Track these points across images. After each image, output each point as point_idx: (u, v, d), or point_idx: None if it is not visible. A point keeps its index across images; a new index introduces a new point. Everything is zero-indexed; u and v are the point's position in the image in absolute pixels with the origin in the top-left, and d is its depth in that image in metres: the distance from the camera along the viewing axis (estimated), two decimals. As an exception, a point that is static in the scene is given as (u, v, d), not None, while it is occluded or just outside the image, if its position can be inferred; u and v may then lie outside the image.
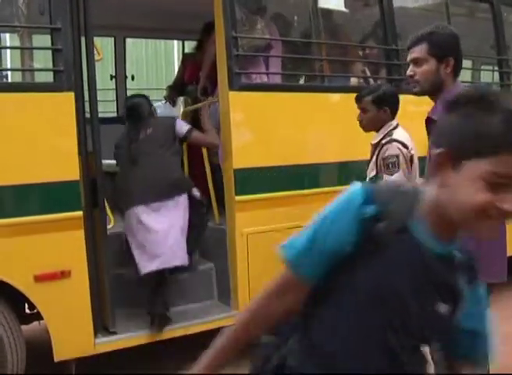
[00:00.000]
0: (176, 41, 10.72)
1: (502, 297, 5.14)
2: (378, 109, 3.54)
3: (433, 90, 2.62)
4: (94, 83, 3.68)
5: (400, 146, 3.39)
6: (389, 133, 3.49)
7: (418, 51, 2.61)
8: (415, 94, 2.73)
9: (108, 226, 3.82)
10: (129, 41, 7.07)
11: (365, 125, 3.62)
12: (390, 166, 3.39)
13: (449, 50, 2.56)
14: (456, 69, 2.58)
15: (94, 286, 3.65)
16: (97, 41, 3.89)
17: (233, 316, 4.11)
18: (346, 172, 4.50)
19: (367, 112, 3.58)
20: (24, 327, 3.71)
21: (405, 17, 5.23)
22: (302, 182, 4.37)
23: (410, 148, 3.41)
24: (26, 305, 3.78)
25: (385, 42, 4.93)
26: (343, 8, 4.92)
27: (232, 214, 4.09)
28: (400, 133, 3.48)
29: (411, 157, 3.41)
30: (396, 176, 3.37)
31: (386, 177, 3.40)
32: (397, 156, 3.37)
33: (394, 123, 3.54)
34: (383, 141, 3.48)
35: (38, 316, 3.63)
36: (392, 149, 3.40)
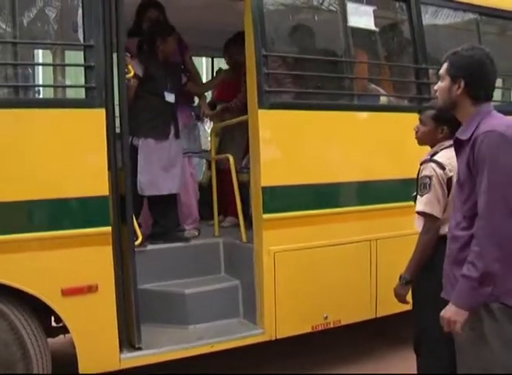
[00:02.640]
0: (204, 58, 10.80)
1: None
2: (436, 126, 3.42)
3: (446, 108, 2.69)
4: (124, 99, 3.71)
5: (435, 166, 3.29)
6: (436, 153, 3.43)
7: (442, 69, 2.67)
8: (436, 109, 2.76)
9: (136, 243, 3.83)
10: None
11: (419, 137, 3.51)
12: (422, 186, 3.33)
13: (461, 72, 2.58)
14: (472, 91, 2.58)
15: (121, 301, 3.66)
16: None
17: (259, 335, 4.10)
18: (374, 191, 4.46)
19: (424, 126, 3.48)
20: (50, 340, 3.72)
21: (435, 36, 5.20)
22: (330, 201, 4.35)
23: (448, 169, 3.28)
24: (53, 318, 3.80)
25: (415, 61, 4.91)
26: (372, 27, 4.91)
27: (259, 232, 4.09)
28: (442, 154, 3.36)
29: (449, 179, 3.28)
30: (426, 198, 3.29)
31: (418, 198, 3.35)
32: (430, 177, 3.29)
33: (447, 143, 3.38)
34: (422, 160, 3.44)
35: (64, 330, 3.65)
36: (426, 170, 3.32)
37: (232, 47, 5.54)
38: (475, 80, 2.57)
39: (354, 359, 4.67)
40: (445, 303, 2.65)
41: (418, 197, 3.34)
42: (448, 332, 2.63)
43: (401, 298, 3.45)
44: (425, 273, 3.34)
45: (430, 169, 3.30)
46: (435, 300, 3.00)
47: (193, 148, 5.36)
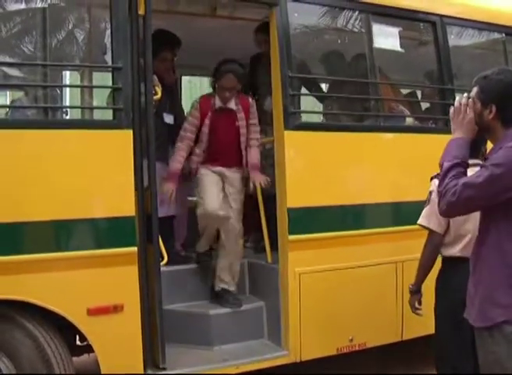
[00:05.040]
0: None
1: None
2: None
3: (479, 131, 2.66)
4: (151, 120, 3.75)
5: (437, 182, 3.34)
6: None
7: (472, 92, 2.66)
8: None
9: (162, 263, 3.84)
10: (185, 78, 7.20)
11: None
12: (426, 201, 3.49)
13: (492, 97, 2.56)
14: (503, 116, 2.56)
15: (146, 321, 3.66)
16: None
17: (283, 357, 4.07)
18: (399, 213, 4.44)
19: None
20: (74, 359, 3.73)
21: (461, 56, 5.19)
22: (355, 222, 4.34)
23: None
24: (77, 337, 3.82)
25: (441, 82, 4.90)
26: (398, 48, 4.92)
27: (285, 253, 4.08)
28: None
29: None
30: (425, 211, 3.49)
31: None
32: (430, 192, 3.46)
33: (470, 162, 3.46)
34: (431, 177, 3.51)
35: (89, 348, 3.67)
36: (431, 185, 3.47)
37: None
38: (506, 104, 2.55)
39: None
40: (465, 324, 2.66)
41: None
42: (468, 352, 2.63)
43: (412, 309, 3.67)
44: (443, 295, 3.45)
45: (432, 185, 3.43)
46: (455, 321, 3.02)
47: None
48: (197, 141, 4.45)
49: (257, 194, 4.51)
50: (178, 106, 5.19)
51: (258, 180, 4.36)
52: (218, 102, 4.40)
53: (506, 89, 2.55)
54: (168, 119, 4.74)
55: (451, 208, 2.51)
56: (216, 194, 4.36)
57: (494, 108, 2.56)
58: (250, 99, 4.53)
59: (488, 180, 2.41)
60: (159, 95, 3.93)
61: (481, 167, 2.54)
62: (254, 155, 4.46)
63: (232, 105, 4.40)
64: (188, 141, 4.41)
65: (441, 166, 2.60)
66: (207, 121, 4.38)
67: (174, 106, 4.84)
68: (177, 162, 4.37)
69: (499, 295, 2.47)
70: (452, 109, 2.66)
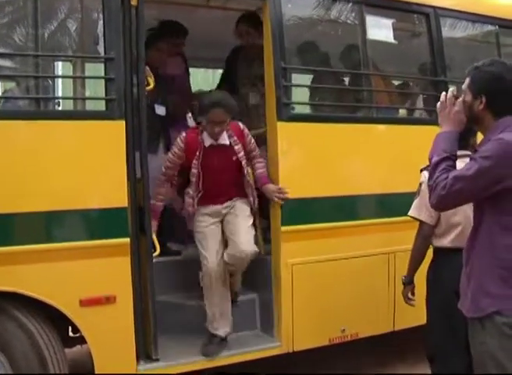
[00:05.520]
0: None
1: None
2: None
3: (469, 122, 2.68)
4: (143, 111, 3.74)
5: (426, 174, 3.37)
6: None
7: (464, 84, 2.68)
8: None
9: (154, 254, 3.84)
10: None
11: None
12: (416, 193, 3.53)
13: (482, 88, 2.58)
14: (492, 108, 2.57)
15: (139, 312, 3.67)
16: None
17: (276, 347, 4.09)
18: (392, 204, 4.44)
19: None
20: (67, 350, 3.73)
21: (454, 48, 5.19)
22: (348, 213, 4.36)
23: None
24: (70, 328, 3.81)
25: (434, 73, 4.90)
26: (391, 40, 4.92)
27: (277, 244, 4.08)
28: None
29: None
30: (415, 203, 3.52)
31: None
32: (420, 184, 3.49)
33: (459, 153, 3.48)
34: (421, 168, 3.54)
35: (81, 340, 3.66)
36: (421, 177, 3.51)
37: None
38: (496, 96, 2.57)
39: (370, 371, 4.65)
40: (455, 314, 2.70)
41: None
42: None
43: (405, 300, 3.71)
44: (434, 286, 3.45)
45: (422, 177, 3.47)
46: (446, 312, 3.05)
47: None
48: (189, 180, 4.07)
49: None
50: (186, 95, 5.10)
51: (274, 192, 4.04)
52: (207, 139, 3.95)
53: (496, 80, 2.56)
54: (160, 110, 4.69)
55: (442, 202, 2.52)
56: (216, 249, 4.02)
57: (484, 99, 2.57)
58: (241, 124, 4.10)
59: (478, 172, 2.43)
60: (152, 86, 3.92)
61: (471, 159, 2.56)
62: (261, 169, 4.17)
63: (224, 139, 3.97)
64: (167, 183, 4.10)
65: (430, 160, 2.61)
66: (195, 161, 3.95)
67: (166, 98, 4.78)
68: (156, 202, 4.01)
69: (490, 286, 2.50)
70: (438, 103, 2.67)
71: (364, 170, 4.41)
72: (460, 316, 2.67)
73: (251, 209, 4.12)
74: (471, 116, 2.64)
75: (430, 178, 2.56)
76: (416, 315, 3.78)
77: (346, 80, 5.04)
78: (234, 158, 3.99)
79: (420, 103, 5.33)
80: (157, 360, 3.74)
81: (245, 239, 3.96)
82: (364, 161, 4.42)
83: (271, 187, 4.07)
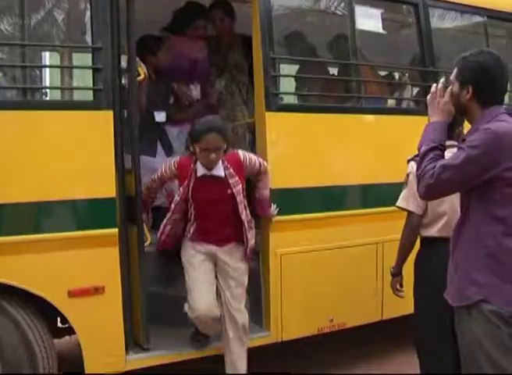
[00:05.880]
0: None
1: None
2: None
3: (456, 112, 2.70)
4: (134, 101, 3.72)
5: (414, 164, 3.40)
6: None
7: (452, 74, 2.69)
8: None
9: (145, 244, 3.84)
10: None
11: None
12: (404, 183, 3.54)
13: (469, 78, 2.60)
14: (479, 97, 2.59)
15: (128, 303, 3.67)
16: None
17: (265, 337, 4.10)
18: (380, 194, 4.45)
19: None
20: (56, 341, 3.73)
21: (443, 38, 5.20)
22: (337, 203, 4.36)
23: None
24: (59, 319, 3.81)
25: (423, 64, 4.91)
26: (380, 30, 4.92)
27: (266, 234, 4.09)
28: None
29: None
30: (403, 193, 3.53)
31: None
32: (408, 174, 3.50)
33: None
34: (408, 159, 3.56)
35: (70, 331, 3.67)
36: (408, 167, 3.51)
37: None
38: (483, 85, 2.58)
39: (359, 360, 4.69)
40: (443, 303, 2.72)
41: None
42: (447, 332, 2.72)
43: (393, 291, 3.72)
44: (421, 275, 3.48)
45: (410, 167, 3.48)
46: (433, 301, 3.08)
47: None
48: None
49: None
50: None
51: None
52: (200, 169, 3.64)
53: (483, 70, 2.58)
54: (159, 117, 4.63)
55: (430, 190, 2.54)
56: (207, 288, 3.72)
57: (471, 89, 2.59)
58: (240, 153, 3.80)
59: (465, 161, 2.45)
60: (142, 76, 3.90)
61: (459, 148, 2.57)
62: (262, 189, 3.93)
63: (218, 170, 3.64)
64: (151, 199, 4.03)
65: (419, 149, 2.63)
66: (182, 190, 3.68)
67: (167, 103, 4.74)
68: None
69: (477, 275, 2.52)
70: (429, 95, 2.69)
71: (352, 160, 4.41)
72: (447, 305, 2.70)
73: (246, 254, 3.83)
74: (459, 106, 2.66)
75: (418, 167, 2.57)
76: (404, 303, 3.80)
77: (335, 70, 5.04)
78: (229, 191, 3.65)
79: (408, 93, 5.34)
80: (147, 350, 3.75)
81: (238, 306, 3.79)
82: (353, 151, 4.43)
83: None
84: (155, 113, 4.60)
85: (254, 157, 3.84)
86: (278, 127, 4.11)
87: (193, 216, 3.74)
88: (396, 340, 4.87)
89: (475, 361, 2.52)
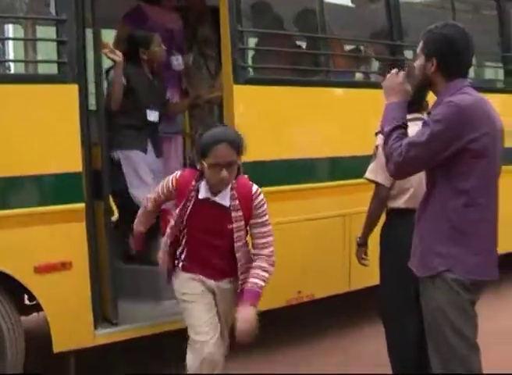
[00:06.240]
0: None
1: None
2: None
3: (420, 85, 2.74)
4: (100, 75, 3.67)
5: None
6: None
7: (418, 47, 2.71)
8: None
9: (112, 219, 3.82)
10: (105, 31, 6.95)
11: None
12: (373, 155, 3.54)
13: (434, 50, 2.62)
14: (444, 70, 2.61)
15: (95, 277, 3.65)
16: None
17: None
18: (348, 166, 4.49)
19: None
20: (23, 318, 3.71)
21: (411, 13, 5.21)
22: (304, 176, 4.38)
23: None
24: (26, 296, 3.78)
25: (391, 38, 4.92)
26: (349, 4, 4.91)
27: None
28: None
29: None
30: (371, 165, 3.52)
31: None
32: (376, 147, 3.49)
33: (409, 116, 3.53)
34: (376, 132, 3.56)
35: (37, 307, 3.64)
36: (377, 139, 3.50)
37: None
38: (448, 58, 2.60)
39: (330, 332, 4.77)
40: (407, 273, 2.76)
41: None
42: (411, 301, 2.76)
43: (359, 260, 3.75)
44: (387, 245, 3.53)
45: (378, 139, 3.46)
46: (398, 271, 3.14)
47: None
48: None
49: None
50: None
51: (245, 325, 2.90)
52: (204, 190, 2.98)
53: (447, 43, 2.60)
54: (153, 116, 4.46)
55: (399, 168, 2.57)
56: (209, 323, 3.07)
57: (436, 62, 2.61)
58: (255, 186, 3.11)
59: (430, 137, 2.49)
60: (119, 59, 3.85)
61: (424, 123, 2.59)
62: (256, 278, 3.05)
63: (224, 198, 2.99)
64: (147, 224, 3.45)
65: (382, 129, 2.65)
66: (179, 213, 3.02)
67: (160, 101, 4.59)
68: (136, 228, 3.43)
69: (440, 246, 2.58)
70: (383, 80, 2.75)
71: (320, 133, 4.43)
72: (412, 275, 2.74)
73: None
74: (424, 79, 2.68)
75: (384, 147, 2.60)
76: (371, 275, 3.84)
77: (303, 43, 5.03)
78: (229, 226, 3.01)
79: (376, 67, 5.36)
80: (115, 324, 3.75)
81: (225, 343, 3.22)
82: (321, 124, 4.44)
83: (248, 315, 2.93)
84: (148, 112, 4.42)
85: (267, 219, 3.14)
86: (246, 100, 4.09)
87: (184, 240, 3.12)
88: (360, 310, 4.95)
89: (439, 328, 2.59)
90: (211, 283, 3.12)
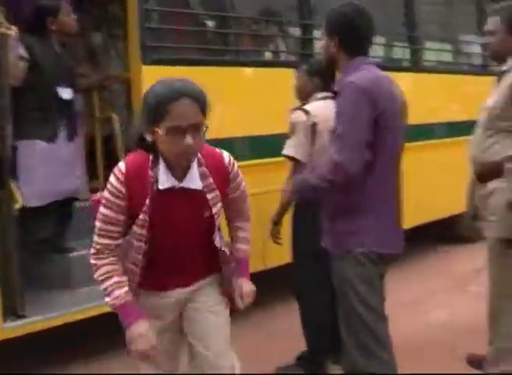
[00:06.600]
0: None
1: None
2: (308, 79, 3.64)
3: (328, 64, 2.82)
4: (4, 59, 3.48)
5: (300, 113, 3.48)
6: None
7: (323, 27, 2.75)
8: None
9: (16, 207, 3.66)
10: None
11: (295, 92, 3.72)
12: (289, 132, 3.53)
13: (334, 29, 2.66)
14: (345, 47, 2.65)
15: (1, 269, 3.50)
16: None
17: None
18: (262, 146, 4.49)
19: (298, 81, 3.70)
20: None
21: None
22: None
23: (312, 115, 3.45)
24: None
25: (300, 17, 4.93)
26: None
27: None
28: (312, 104, 3.54)
29: (313, 125, 3.44)
30: (290, 142, 3.51)
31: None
32: (294, 123, 3.50)
33: (319, 95, 3.56)
34: (291, 109, 3.58)
35: None
36: (292, 116, 3.53)
37: None
38: (347, 35, 2.64)
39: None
40: (319, 250, 2.83)
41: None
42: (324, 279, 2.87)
43: (273, 239, 3.72)
44: (298, 224, 3.57)
45: (295, 116, 3.50)
46: (310, 248, 3.18)
47: None
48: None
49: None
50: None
51: (247, 291, 2.49)
52: (164, 178, 2.19)
53: (347, 21, 2.64)
54: (66, 94, 4.12)
55: (350, 171, 2.52)
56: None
57: (337, 40, 2.64)
58: (225, 153, 2.39)
59: (350, 126, 2.52)
60: (13, 31, 3.63)
61: (336, 116, 2.60)
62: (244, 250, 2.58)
63: (193, 180, 2.23)
64: (113, 251, 2.25)
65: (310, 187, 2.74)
66: (142, 217, 2.19)
67: (73, 77, 4.29)
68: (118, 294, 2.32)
69: (346, 222, 2.64)
70: None
71: (231, 113, 4.39)
72: (323, 252, 2.78)
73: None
74: (328, 58, 2.73)
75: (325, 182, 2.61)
76: (286, 253, 3.87)
77: (213, 22, 4.97)
78: (207, 214, 2.28)
79: (286, 46, 5.38)
80: (23, 316, 3.61)
81: (220, 348, 2.40)
82: (232, 104, 4.40)
83: (246, 286, 2.50)
84: (59, 90, 4.08)
85: (244, 185, 2.50)
86: (154, 81, 3.99)
87: (140, 252, 2.28)
88: (272, 289, 4.99)
89: (347, 300, 2.65)
90: (180, 293, 2.37)
